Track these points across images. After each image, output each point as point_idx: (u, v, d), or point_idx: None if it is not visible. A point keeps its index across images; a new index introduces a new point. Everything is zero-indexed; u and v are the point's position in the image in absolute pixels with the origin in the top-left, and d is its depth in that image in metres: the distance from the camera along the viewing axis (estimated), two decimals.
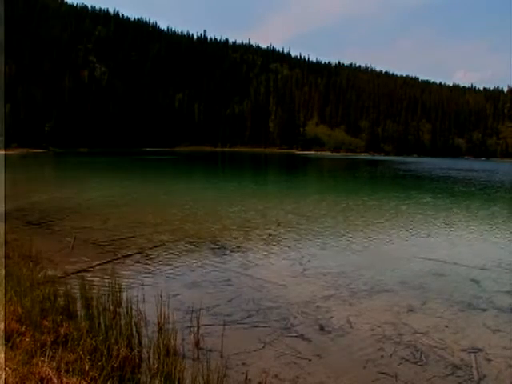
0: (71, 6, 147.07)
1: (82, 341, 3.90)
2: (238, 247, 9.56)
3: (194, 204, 16.28)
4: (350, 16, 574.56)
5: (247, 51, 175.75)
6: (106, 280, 6.31)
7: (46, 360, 3.48)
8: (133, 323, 4.61)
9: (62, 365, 3.50)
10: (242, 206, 16.04)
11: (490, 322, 5.73)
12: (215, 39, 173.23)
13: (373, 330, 5.38)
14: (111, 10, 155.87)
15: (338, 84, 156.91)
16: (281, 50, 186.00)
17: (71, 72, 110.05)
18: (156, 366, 3.93)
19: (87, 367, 3.55)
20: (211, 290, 6.68)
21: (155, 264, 7.97)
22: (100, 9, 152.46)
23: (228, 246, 9.66)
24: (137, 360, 4.07)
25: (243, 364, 4.40)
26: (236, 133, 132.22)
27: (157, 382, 3.66)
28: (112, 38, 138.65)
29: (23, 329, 4.09)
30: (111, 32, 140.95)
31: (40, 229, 10.71)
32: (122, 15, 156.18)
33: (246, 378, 4.09)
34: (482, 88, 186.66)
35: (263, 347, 4.81)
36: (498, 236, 12.15)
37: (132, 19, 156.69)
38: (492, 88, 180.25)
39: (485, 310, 6.20)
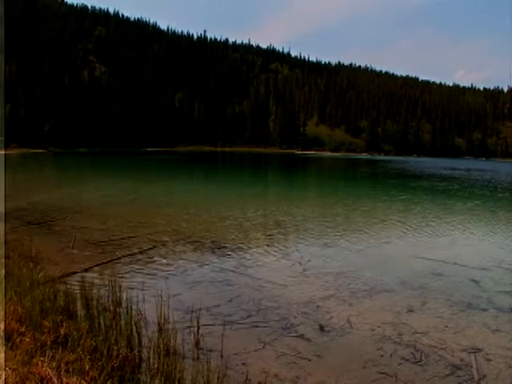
0: (71, 6, 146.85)
1: (82, 341, 3.90)
2: (238, 247, 9.56)
3: (195, 204, 16.27)
4: (349, 16, 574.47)
5: (247, 51, 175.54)
6: (106, 280, 6.30)
7: (46, 360, 3.48)
8: (133, 323, 4.60)
9: (62, 365, 3.50)
10: (241, 207, 16.04)
11: (490, 322, 5.73)
12: (215, 39, 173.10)
13: (373, 329, 5.38)
14: (111, 10, 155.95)
15: (338, 84, 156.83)
16: (281, 50, 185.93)
17: (71, 72, 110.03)
18: (156, 366, 3.92)
19: (87, 367, 3.55)
20: (211, 289, 6.68)
21: (155, 264, 7.96)
22: (100, 9, 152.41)
23: (228, 246, 9.66)
24: (137, 360, 4.06)
25: (243, 364, 4.39)
26: (236, 133, 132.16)
27: (157, 381, 3.66)
28: (112, 38, 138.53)
29: (23, 329, 4.09)
30: (111, 32, 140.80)
31: (40, 229, 10.71)
32: (122, 15, 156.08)
33: (246, 378, 4.09)
34: (482, 88, 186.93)
35: (263, 347, 4.80)
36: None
37: (132, 19, 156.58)
38: (492, 88, 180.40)
39: (485, 309, 6.20)
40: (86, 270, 7.20)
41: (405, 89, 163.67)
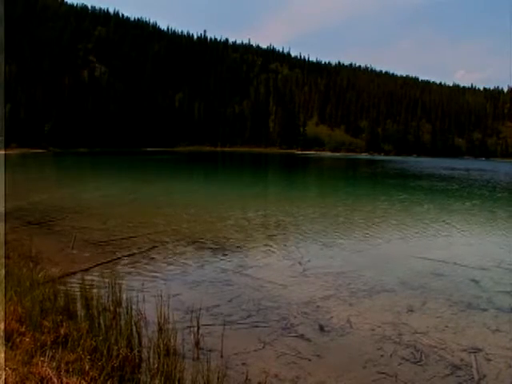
0: (71, 6, 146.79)
1: (82, 341, 3.90)
2: (238, 247, 9.56)
3: (195, 204, 16.27)
4: (350, 16, 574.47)
5: (247, 51, 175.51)
6: (106, 280, 6.30)
7: (46, 360, 3.48)
8: (133, 323, 4.60)
9: (62, 365, 3.50)
10: (242, 207, 16.04)
11: (490, 322, 5.73)
12: (215, 39, 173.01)
13: (373, 329, 5.38)
14: (111, 10, 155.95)
15: (338, 84, 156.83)
16: (281, 50, 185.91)
17: (71, 72, 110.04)
18: (156, 366, 3.92)
19: (87, 367, 3.55)
20: (211, 290, 6.68)
21: (155, 264, 7.96)
22: (100, 9, 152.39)
23: (228, 246, 9.66)
24: (137, 360, 4.06)
25: (243, 364, 4.39)
26: (236, 133, 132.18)
27: (157, 381, 3.66)
28: (112, 38, 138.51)
29: (23, 329, 4.09)
30: (111, 32, 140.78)
31: (40, 229, 10.71)
32: (122, 15, 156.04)
33: (246, 378, 4.09)
34: (482, 88, 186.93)
35: (263, 347, 4.80)
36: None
37: (132, 19, 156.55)
38: (492, 88, 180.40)
39: (485, 309, 6.20)
40: (85, 270, 7.20)
41: (405, 89, 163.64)
